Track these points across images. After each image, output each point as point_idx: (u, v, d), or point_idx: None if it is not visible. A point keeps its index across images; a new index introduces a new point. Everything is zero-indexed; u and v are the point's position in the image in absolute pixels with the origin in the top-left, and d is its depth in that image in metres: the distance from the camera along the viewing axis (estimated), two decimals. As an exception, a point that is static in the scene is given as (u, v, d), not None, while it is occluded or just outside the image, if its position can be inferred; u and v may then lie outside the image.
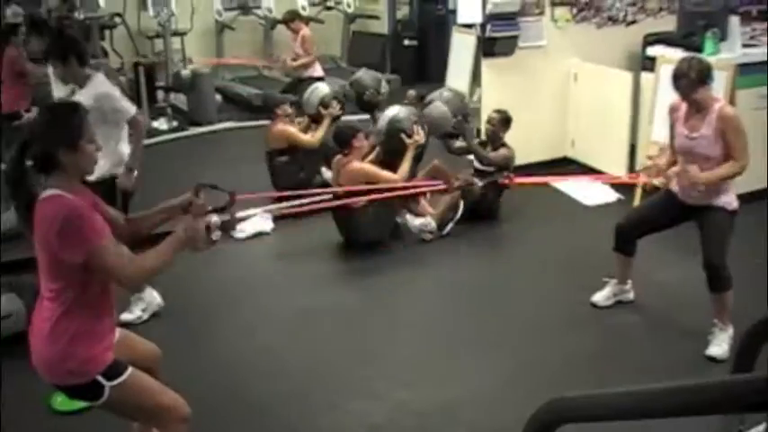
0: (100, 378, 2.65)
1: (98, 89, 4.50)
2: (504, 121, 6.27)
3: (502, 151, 6.22)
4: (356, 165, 5.71)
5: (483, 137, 6.48)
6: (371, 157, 6.07)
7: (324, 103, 6.87)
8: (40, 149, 2.62)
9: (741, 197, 4.30)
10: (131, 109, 4.64)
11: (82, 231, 2.53)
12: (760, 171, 5.79)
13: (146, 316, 4.72)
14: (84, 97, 4.46)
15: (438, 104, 6.34)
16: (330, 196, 5.75)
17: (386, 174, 5.74)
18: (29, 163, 2.64)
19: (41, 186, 2.62)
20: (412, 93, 7.17)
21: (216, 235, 2.71)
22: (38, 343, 2.69)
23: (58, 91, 5.52)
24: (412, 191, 5.84)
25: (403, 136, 5.87)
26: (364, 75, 7.21)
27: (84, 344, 2.65)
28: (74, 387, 2.71)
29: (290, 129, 6.71)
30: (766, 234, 5.18)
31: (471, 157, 6.36)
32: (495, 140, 6.29)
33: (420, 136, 5.92)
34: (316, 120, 6.91)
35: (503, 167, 6.20)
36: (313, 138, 6.68)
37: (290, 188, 6.49)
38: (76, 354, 2.64)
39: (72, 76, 4.57)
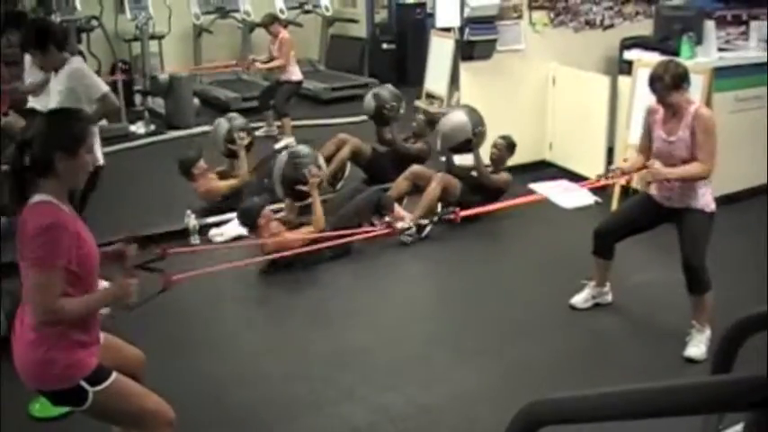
0: (83, 383, 2.63)
1: (73, 66, 4.56)
2: (509, 146, 6.48)
3: (503, 175, 6.36)
4: (270, 242, 5.45)
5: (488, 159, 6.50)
6: (287, 213, 5.93)
7: (229, 139, 6.72)
8: (39, 152, 2.60)
9: (719, 199, 4.33)
10: (103, 86, 4.66)
11: (50, 245, 2.52)
12: (737, 173, 5.86)
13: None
14: (60, 78, 4.50)
15: (458, 113, 6.32)
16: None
17: (303, 234, 5.53)
18: (26, 164, 2.61)
19: (33, 190, 2.61)
20: (421, 118, 7.31)
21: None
22: (20, 349, 2.67)
23: (32, 77, 5.51)
24: (350, 238, 5.64)
25: (299, 185, 5.70)
26: (383, 90, 7.29)
27: (66, 349, 2.63)
28: (57, 392, 2.69)
29: (213, 184, 6.57)
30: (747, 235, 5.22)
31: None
32: (499, 164, 6.44)
33: (317, 177, 5.71)
34: (232, 155, 6.77)
35: (502, 190, 6.32)
36: (238, 178, 6.58)
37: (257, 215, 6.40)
38: (59, 359, 2.61)
39: (51, 63, 4.60)
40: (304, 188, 5.68)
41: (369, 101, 7.25)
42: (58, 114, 2.80)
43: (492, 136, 6.42)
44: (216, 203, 6.53)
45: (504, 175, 6.37)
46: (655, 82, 4.06)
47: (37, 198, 2.59)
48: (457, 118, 6.29)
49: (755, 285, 4.40)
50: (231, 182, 6.60)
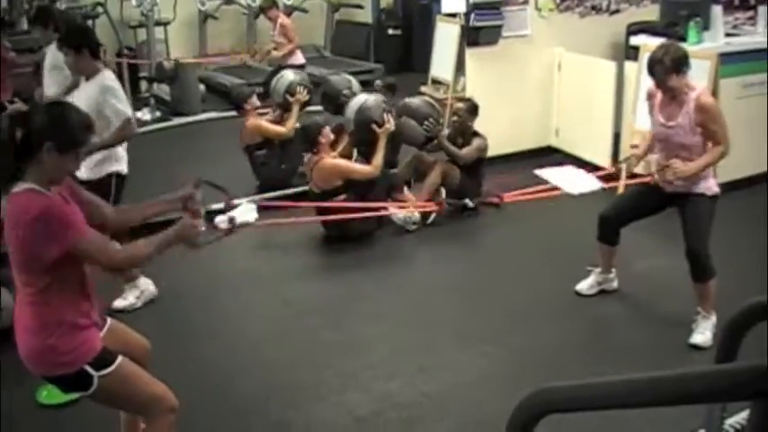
0: (88, 368, 2.64)
1: (105, 82, 4.51)
2: (471, 109, 6.21)
3: (475, 143, 6.12)
4: (328, 162, 5.66)
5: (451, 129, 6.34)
6: (340, 149, 6.03)
7: (290, 91, 6.83)
8: (33, 132, 2.54)
9: (726, 185, 4.32)
10: (128, 110, 4.61)
11: (59, 229, 2.51)
12: (743, 159, 5.83)
13: (139, 303, 4.78)
14: (89, 88, 4.47)
15: (405, 120, 6.16)
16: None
17: (359, 167, 5.74)
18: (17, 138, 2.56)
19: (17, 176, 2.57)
20: (379, 83, 7.17)
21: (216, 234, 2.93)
22: (22, 336, 2.68)
23: (49, 80, 5.49)
24: (377, 213, 5.73)
25: (374, 126, 5.83)
26: (334, 78, 7.17)
27: (67, 334, 2.63)
28: (62, 378, 2.69)
29: (262, 122, 6.73)
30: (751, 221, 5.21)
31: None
32: (465, 131, 6.20)
33: (391, 124, 5.86)
34: (285, 107, 6.89)
35: (481, 159, 6.18)
36: (285, 128, 6.66)
37: (273, 181, 6.48)
38: (61, 344, 2.62)
39: (83, 66, 4.56)
40: (378, 130, 5.78)
41: (324, 103, 7.14)
42: (72, 111, 2.71)
43: (497, 120, 6.37)
44: (252, 146, 6.65)
45: (476, 143, 6.12)
46: (654, 65, 4.02)
47: (21, 187, 2.54)
48: (407, 126, 6.14)
49: (760, 272, 4.39)
50: (278, 128, 6.71)
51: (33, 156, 2.55)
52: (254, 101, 6.75)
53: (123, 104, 4.58)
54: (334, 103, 6.88)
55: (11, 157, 2.56)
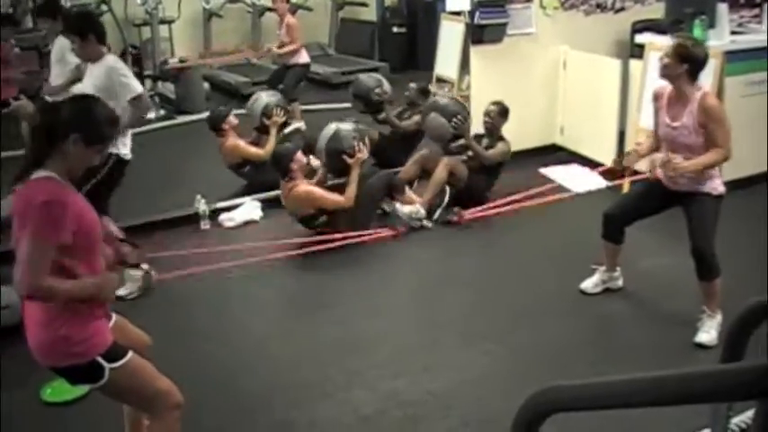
0: (100, 359, 2.64)
1: (110, 63, 4.59)
2: (502, 112, 6.33)
3: (499, 146, 6.25)
4: (301, 189, 5.55)
5: (482, 129, 6.43)
6: (319, 176, 5.95)
7: (267, 113, 6.84)
8: (60, 122, 2.57)
9: (729, 184, 4.30)
10: (138, 87, 4.67)
11: (48, 221, 2.50)
12: (747, 158, 5.81)
13: (137, 293, 4.81)
14: (96, 73, 4.52)
15: (434, 116, 6.27)
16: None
17: (331, 197, 5.60)
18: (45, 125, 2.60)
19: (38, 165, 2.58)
20: (414, 86, 7.24)
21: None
22: (33, 328, 2.67)
23: (56, 70, 5.52)
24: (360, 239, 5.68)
25: (344, 156, 5.73)
26: (363, 77, 7.33)
27: (78, 325, 2.62)
28: (73, 369, 2.68)
29: (240, 144, 6.69)
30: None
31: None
32: (494, 132, 6.33)
33: (363, 153, 5.79)
34: (262, 130, 6.90)
35: (501, 164, 6.28)
36: (264, 150, 6.63)
37: (265, 190, 6.44)
38: (74, 335, 2.61)
39: (89, 52, 4.63)
40: (350, 160, 5.70)
41: (354, 101, 7.32)
42: (101, 106, 2.73)
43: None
44: (234, 165, 6.65)
45: (501, 146, 6.25)
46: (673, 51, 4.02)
47: (39, 174, 2.56)
48: (436, 122, 6.26)
49: (761, 272, 4.37)
50: (256, 150, 6.69)
51: (57, 146, 2.57)
52: (232, 120, 6.68)
53: (133, 80, 4.65)
54: (365, 101, 7.06)
55: (35, 145, 2.60)
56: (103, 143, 2.69)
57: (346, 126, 5.98)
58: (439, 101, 6.44)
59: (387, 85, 7.21)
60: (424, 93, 7.22)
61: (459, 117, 6.21)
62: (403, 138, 7.05)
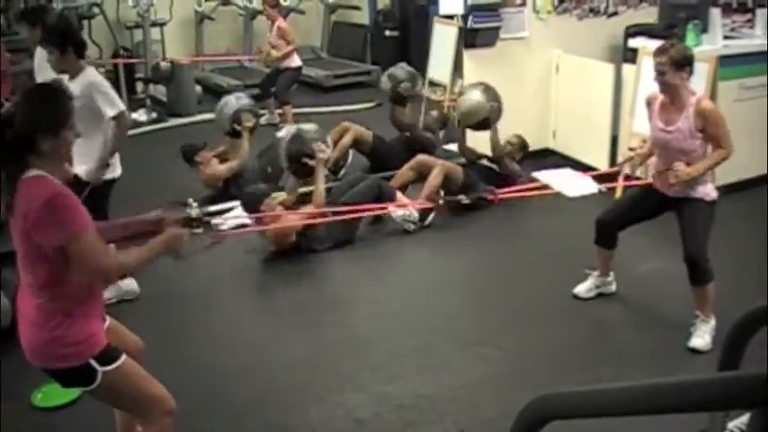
0: (92, 362, 2.61)
1: (88, 78, 4.47)
2: (522, 146, 6.74)
3: (516, 166, 6.54)
4: (273, 227, 5.43)
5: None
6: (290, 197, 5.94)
7: (236, 119, 6.72)
8: (21, 131, 2.51)
9: (723, 188, 4.31)
10: (120, 103, 4.56)
11: (67, 216, 2.48)
12: (741, 162, 5.81)
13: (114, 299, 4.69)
14: (74, 86, 4.42)
15: (474, 92, 6.40)
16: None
17: (302, 223, 5.49)
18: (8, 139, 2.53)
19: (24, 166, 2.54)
20: (433, 114, 7.51)
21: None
22: (27, 329, 2.65)
23: (41, 77, 5.44)
24: (352, 215, 5.62)
25: (305, 158, 5.69)
26: (398, 68, 7.35)
27: (74, 326, 2.60)
28: (66, 371, 2.65)
29: (214, 170, 6.59)
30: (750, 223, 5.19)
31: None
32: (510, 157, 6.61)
33: (325, 153, 5.73)
34: (233, 135, 6.78)
35: (512, 178, 6.44)
36: (236, 161, 6.58)
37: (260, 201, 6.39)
38: (67, 336, 2.59)
39: (67, 66, 4.50)
40: (310, 162, 5.65)
41: (385, 81, 7.33)
42: (40, 92, 2.69)
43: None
44: (217, 190, 6.56)
45: (517, 167, 6.51)
46: (659, 54, 4.02)
47: (31, 173, 2.52)
48: (474, 97, 6.36)
49: (759, 276, 4.38)
50: (231, 164, 6.61)
51: (33, 151, 2.53)
52: (204, 154, 6.60)
53: (114, 97, 4.54)
54: (394, 91, 7.12)
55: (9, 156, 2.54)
56: (66, 123, 2.60)
57: (307, 127, 5.95)
58: (470, 87, 6.61)
59: (413, 82, 7.24)
60: (443, 122, 7.49)
61: (496, 103, 6.38)
62: (410, 144, 7.03)
